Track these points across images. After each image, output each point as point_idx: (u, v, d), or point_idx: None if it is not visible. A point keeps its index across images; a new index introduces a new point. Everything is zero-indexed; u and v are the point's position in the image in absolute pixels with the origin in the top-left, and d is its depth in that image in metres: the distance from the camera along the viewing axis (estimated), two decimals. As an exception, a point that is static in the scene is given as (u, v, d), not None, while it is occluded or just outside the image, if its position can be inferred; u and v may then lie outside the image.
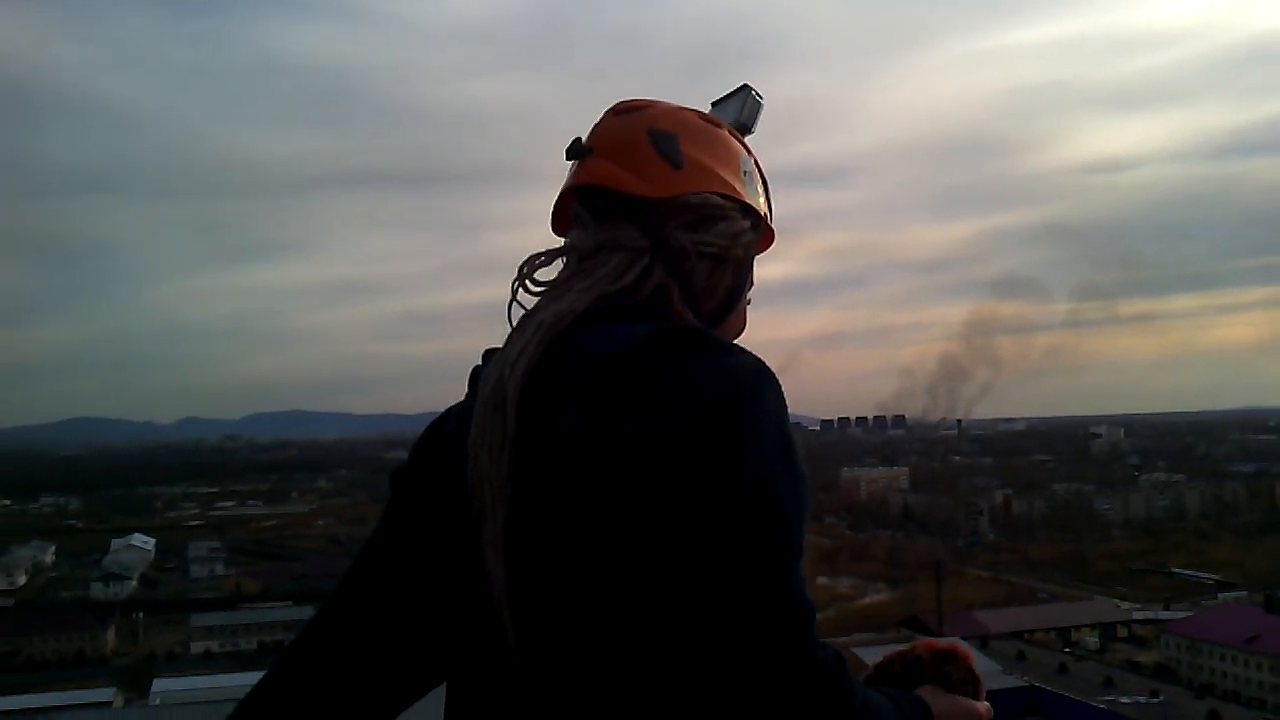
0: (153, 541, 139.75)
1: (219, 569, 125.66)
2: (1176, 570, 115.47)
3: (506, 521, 1.27)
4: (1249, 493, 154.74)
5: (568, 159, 1.55)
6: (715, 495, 1.20)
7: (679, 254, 1.47)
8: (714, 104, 1.71)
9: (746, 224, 1.54)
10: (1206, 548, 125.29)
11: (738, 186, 1.53)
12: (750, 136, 1.67)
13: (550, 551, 1.26)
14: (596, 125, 1.56)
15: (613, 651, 1.24)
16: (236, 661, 74.79)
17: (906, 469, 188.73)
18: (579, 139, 1.55)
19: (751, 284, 1.60)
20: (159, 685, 55.06)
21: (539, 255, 1.50)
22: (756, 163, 1.61)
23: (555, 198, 1.59)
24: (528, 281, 1.48)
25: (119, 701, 54.77)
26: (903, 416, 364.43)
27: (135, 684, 61.17)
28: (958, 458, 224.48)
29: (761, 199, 1.59)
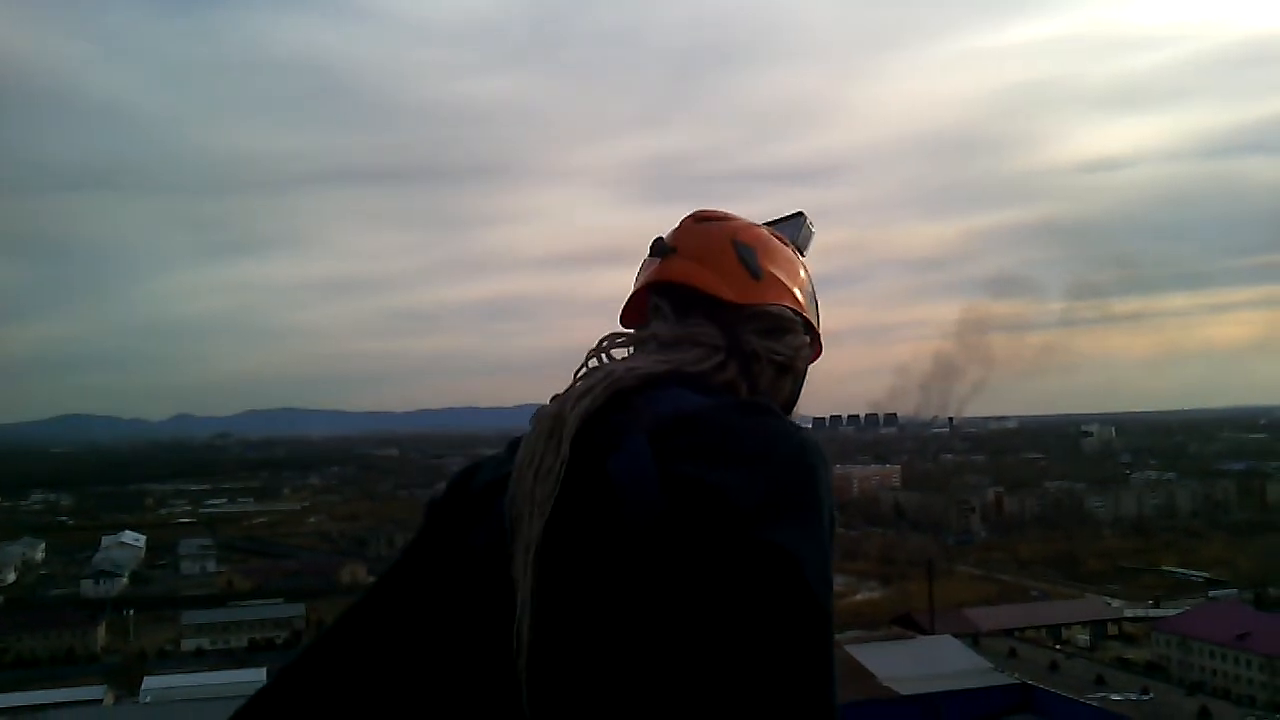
0: (143, 539, 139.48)
1: (210, 566, 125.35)
2: (1167, 568, 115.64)
3: (541, 536, 1.28)
4: (1240, 491, 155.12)
5: (651, 255, 1.65)
6: (779, 559, 1.22)
7: (751, 357, 1.57)
8: (769, 224, 1.77)
9: (807, 339, 1.67)
10: (1197, 546, 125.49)
11: (804, 303, 1.66)
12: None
13: (587, 570, 1.26)
14: (678, 229, 1.66)
15: (629, 682, 1.23)
16: (228, 659, 74.65)
17: (898, 467, 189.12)
18: (662, 238, 1.65)
19: (799, 395, 1.70)
20: (150, 683, 54.91)
21: (618, 335, 1.60)
22: (812, 284, 1.73)
23: (632, 289, 1.69)
24: (604, 355, 1.56)
25: (110, 699, 54.59)
26: (895, 414, 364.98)
27: (126, 681, 60.87)
28: (949, 456, 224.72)
29: (816, 316, 1.71)
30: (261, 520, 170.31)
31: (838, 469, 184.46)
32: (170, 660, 78.25)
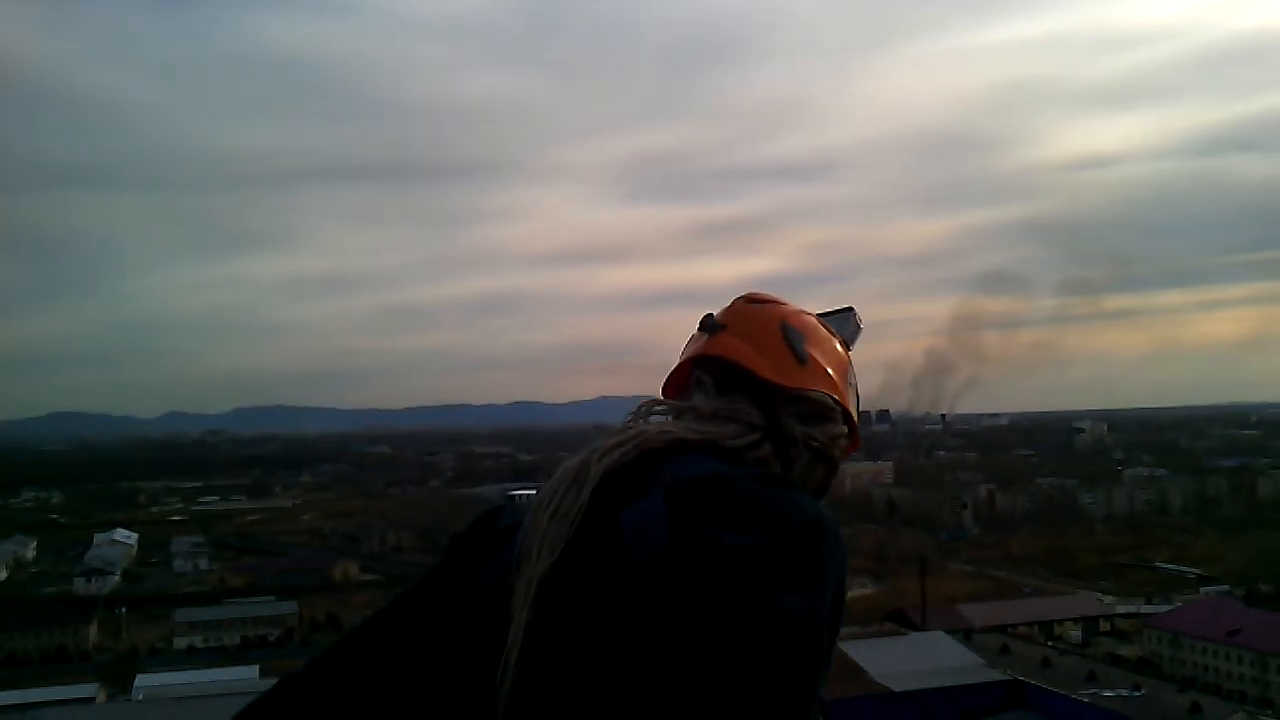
0: (135, 536, 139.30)
1: (202, 564, 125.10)
2: (1159, 565, 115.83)
3: (545, 574, 1.31)
4: (1231, 488, 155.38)
5: (700, 330, 1.69)
6: (781, 621, 1.24)
7: (788, 440, 1.60)
8: (819, 315, 1.79)
9: (845, 429, 1.70)
10: (1189, 542, 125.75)
11: (845, 394, 1.69)
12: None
13: (587, 618, 1.28)
14: (728, 309, 1.70)
15: None
16: (220, 657, 74.55)
17: (891, 463, 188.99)
18: (711, 315, 1.69)
19: (831, 485, 1.74)
20: (142, 680, 54.97)
21: (659, 402, 1.62)
22: (855, 378, 1.77)
23: (678, 361, 1.72)
24: (640, 421, 1.56)
25: (101, 697, 54.54)
26: (887, 411, 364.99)
27: (118, 679, 60.83)
28: (942, 452, 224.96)
29: (857, 410, 1.74)
30: (254, 517, 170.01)
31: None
32: (162, 658, 78.13)
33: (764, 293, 1.74)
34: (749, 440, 1.56)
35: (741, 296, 1.73)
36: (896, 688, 42.79)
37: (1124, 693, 57.57)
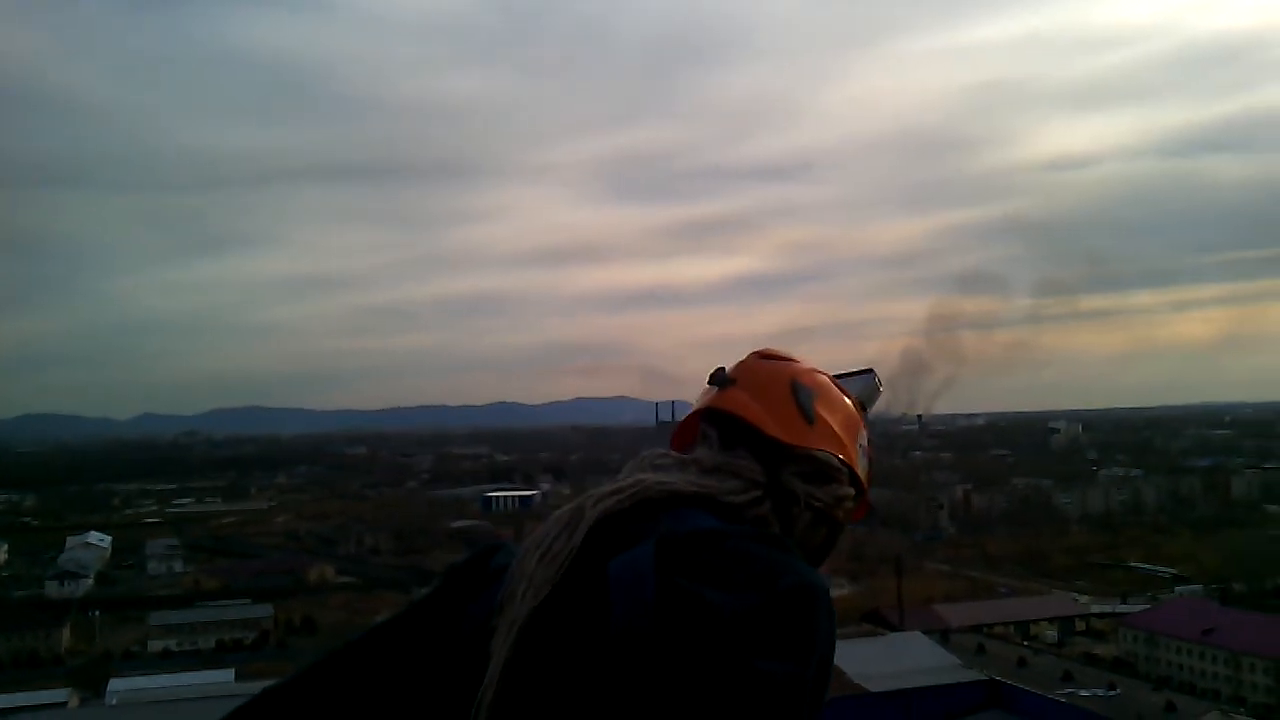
0: (109, 539, 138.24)
1: (177, 566, 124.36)
2: (1134, 564, 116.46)
3: (529, 618, 1.31)
4: (1205, 487, 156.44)
5: (709, 384, 1.67)
6: (761, 687, 1.22)
7: (790, 498, 1.58)
8: (837, 376, 1.79)
9: (851, 491, 1.68)
10: (1163, 542, 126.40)
11: (854, 456, 1.68)
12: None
13: (565, 663, 1.28)
14: (741, 363, 1.69)
15: None
16: (195, 660, 74.10)
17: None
18: (723, 369, 1.68)
19: (835, 547, 1.71)
20: (115, 684, 54.43)
21: (660, 454, 1.61)
22: (870, 440, 1.76)
23: (689, 414, 1.71)
24: (644, 471, 1.56)
25: (74, 702, 54.12)
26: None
27: (91, 683, 60.35)
28: (918, 453, 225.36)
29: (867, 472, 1.73)
30: (229, 520, 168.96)
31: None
32: (137, 662, 77.60)
33: (778, 349, 1.72)
34: (749, 497, 1.54)
35: (755, 351, 1.71)
36: (873, 688, 42.75)
37: (1100, 692, 57.97)
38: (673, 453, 1.63)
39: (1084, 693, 56.63)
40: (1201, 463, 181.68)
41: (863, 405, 1.78)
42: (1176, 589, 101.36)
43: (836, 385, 1.73)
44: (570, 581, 1.33)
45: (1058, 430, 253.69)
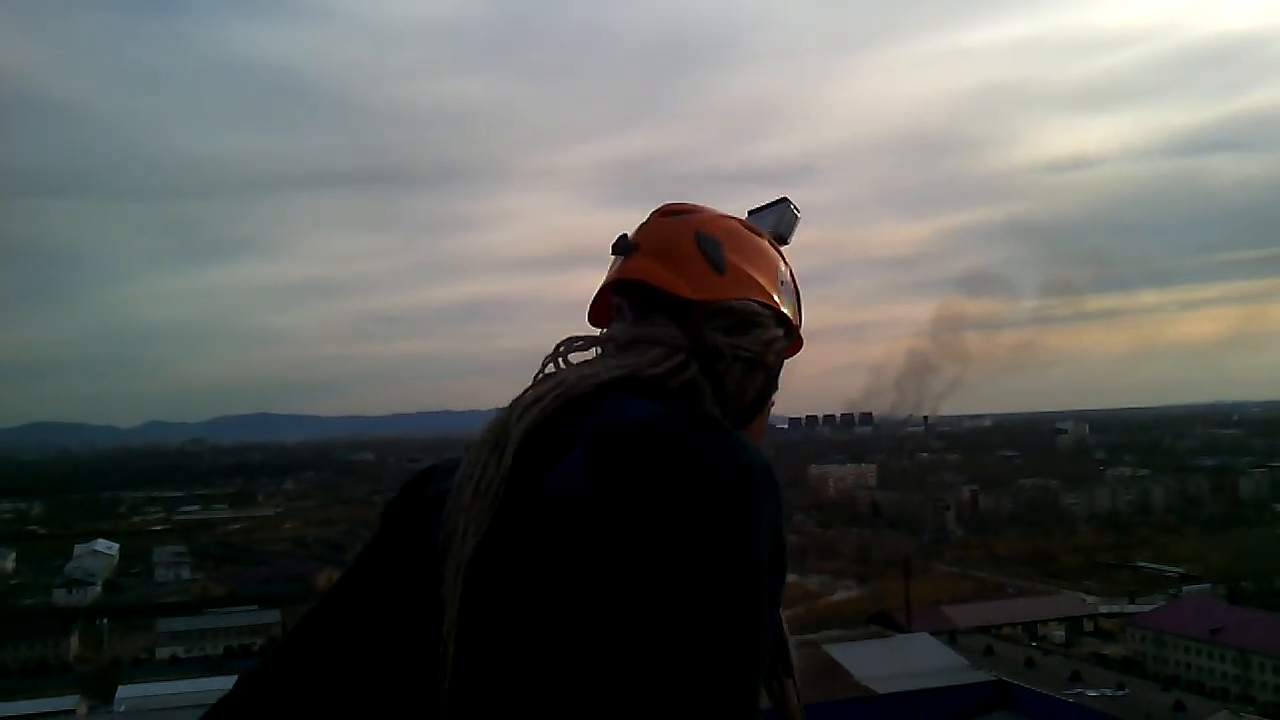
0: (117, 546, 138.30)
1: (184, 574, 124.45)
2: (1142, 564, 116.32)
3: (474, 555, 1.25)
4: (1213, 487, 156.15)
5: (613, 254, 1.59)
6: (704, 585, 1.18)
7: (714, 355, 1.50)
8: (751, 212, 1.72)
9: (780, 332, 1.59)
10: (1171, 542, 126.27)
11: (775, 296, 1.58)
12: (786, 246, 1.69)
13: (518, 590, 1.24)
14: (643, 225, 1.60)
15: (555, 706, 1.20)
16: (203, 667, 74.07)
17: (874, 466, 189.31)
18: (625, 235, 1.59)
19: (777, 388, 1.64)
20: (124, 692, 54.51)
21: (577, 339, 1.53)
22: (792, 273, 1.66)
23: (597, 288, 1.62)
24: (560, 361, 1.49)
25: (83, 709, 54.09)
26: (870, 413, 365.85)
27: (100, 691, 60.35)
28: (925, 454, 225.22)
29: (795, 308, 1.64)
30: (236, 526, 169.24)
31: (813, 469, 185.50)
32: (145, 669, 77.72)
33: (682, 203, 1.63)
34: (673, 364, 1.47)
35: (658, 209, 1.62)
36: (881, 690, 42.77)
37: (1108, 692, 57.70)
38: (585, 335, 1.56)
39: (1092, 693, 56.37)
40: (1209, 462, 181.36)
41: (781, 238, 1.69)
42: (1184, 588, 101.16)
43: (747, 226, 1.63)
44: (508, 507, 1.27)
45: (1065, 430, 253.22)
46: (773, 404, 1.65)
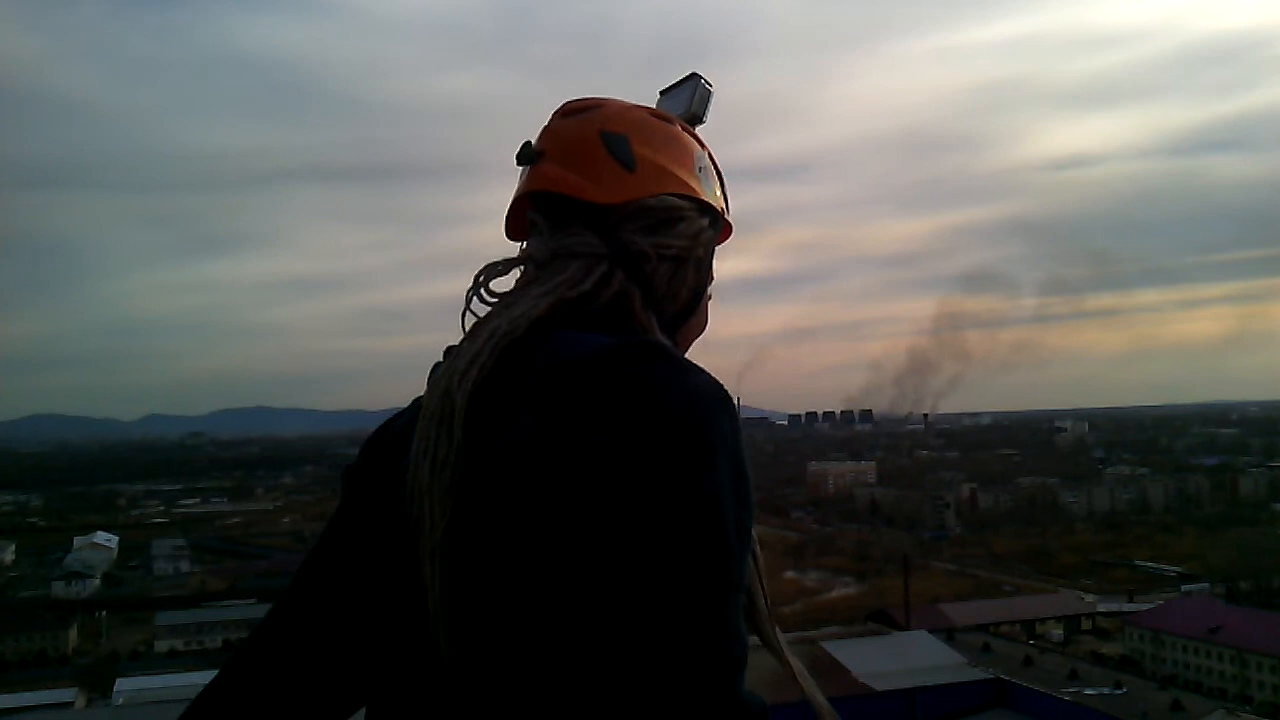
0: (116, 539, 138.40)
1: (183, 567, 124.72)
2: (1140, 563, 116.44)
3: (446, 533, 1.23)
4: (1212, 486, 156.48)
5: (518, 164, 1.51)
6: (665, 520, 1.16)
7: (639, 258, 1.43)
8: (662, 93, 1.65)
9: (705, 221, 1.50)
10: (1170, 540, 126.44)
11: (694, 184, 1.49)
12: (703, 127, 1.61)
13: (489, 564, 1.22)
14: (546, 128, 1.51)
15: (543, 670, 1.20)
16: (201, 660, 74.09)
17: (873, 463, 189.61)
18: (529, 143, 1.50)
19: (712, 279, 1.55)
20: (122, 684, 54.42)
21: (496, 264, 1.45)
22: (710, 156, 1.56)
23: (509, 204, 1.54)
24: (483, 291, 1.42)
25: (81, 701, 54.11)
26: (870, 411, 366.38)
27: (98, 684, 60.35)
28: (924, 452, 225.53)
29: (718, 192, 1.55)
30: (234, 520, 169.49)
31: (813, 465, 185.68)
32: (143, 662, 77.72)
33: (583, 98, 1.53)
34: (596, 277, 1.39)
35: (559, 109, 1.53)
36: (879, 687, 42.73)
37: (1106, 691, 57.72)
38: (503, 259, 1.46)
39: (1090, 691, 56.36)
40: (1208, 461, 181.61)
41: (695, 118, 1.60)
42: (1183, 587, 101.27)
43: (655, 114, 1.53)
44: (466, 477, 1.24)
45: (1064, 429, 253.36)
46: (709, 296, 1.56)
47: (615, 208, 1.42)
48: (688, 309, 1.51)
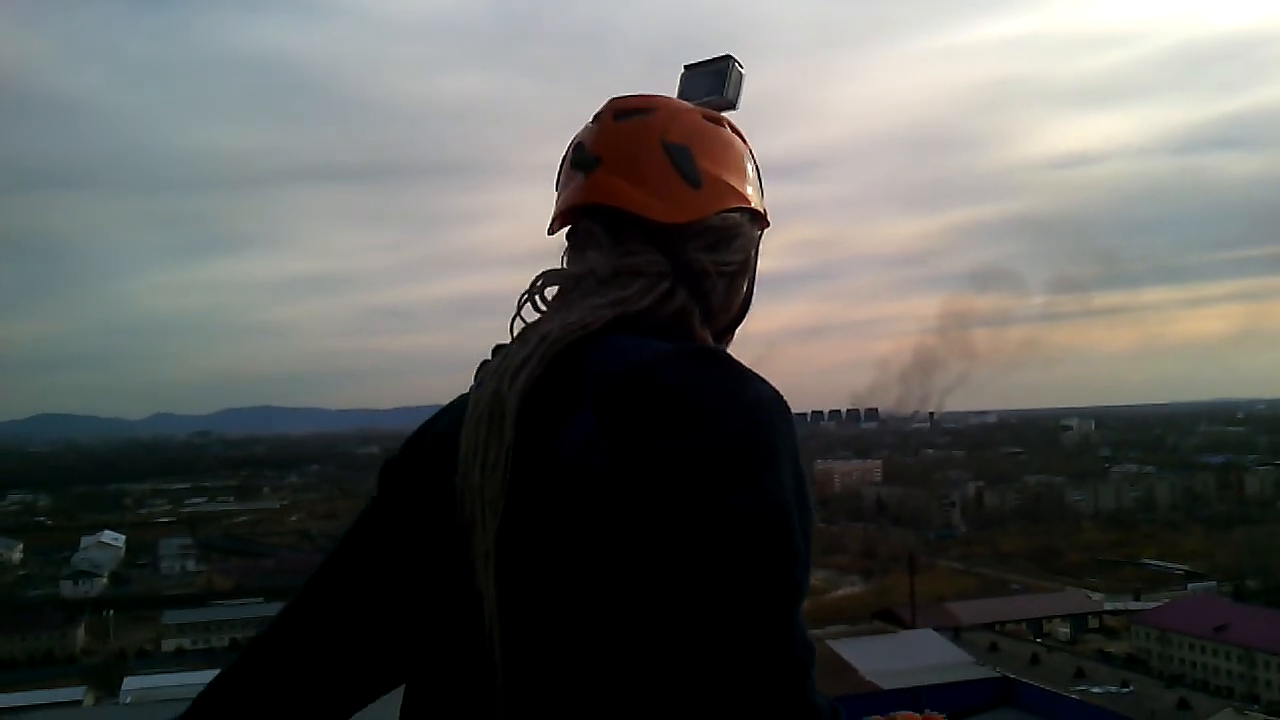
0: (123, 538, 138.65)
1: (190, 566, 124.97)
2: (1146, 561, 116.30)
3: (499, 535, 1.22)
4: (1218, 484, 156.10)
5: (574, 169, 1.45)
6: (736, 528, 1.15)
7: (700, 276, 1.41)
8: (688, 67, 1.61)
9: (757, 232, 1.51)
10: (1176, 539, 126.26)
11: (750, 195, 1.48)
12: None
13: (550, 567, 1.21)
14: (601, 130, 1.45)
15: (612, 676, 1.18)
16: (208, 659, 74.17)
17: (879, 462, 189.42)
18: (583, 145, 1.45)
19: (755, 279, 1.55)
20: (130, 683, 54.61)
21: (552, 272, 1.43)
22: (752, 152, 1.54)
23: (560, 205, 1.49)
24: (537, 298, 1.40)
25: (89, 700, 54.33)
26: (875, 409, 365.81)
27: (106, 682, 60.54)
28: (930, 450, 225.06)
29: (759, 193, 1.54)
30: (241, 519, 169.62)
31: (819, 464, 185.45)
32: (150, 660, 77.95)
33: (634, 97, 1.48)
34: (659, 294, 1.38)
35: (609, 107, 1.47)
36: (885, 686, 42.77)
37: (1112, 689, 57.80)
38: (562, 270, 1.44)
39: (1096, 690, 56.46)
40: (1214, 459, 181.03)
41: (729, 103, 1.57)
42: (1189, 586, 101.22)
43: (709, 116, 1.50)
44: (521, 478, 1.23)
45: (1070, 427, 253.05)
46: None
47: (680, 227, 1.40)
48: (738, 318, 1.52)
